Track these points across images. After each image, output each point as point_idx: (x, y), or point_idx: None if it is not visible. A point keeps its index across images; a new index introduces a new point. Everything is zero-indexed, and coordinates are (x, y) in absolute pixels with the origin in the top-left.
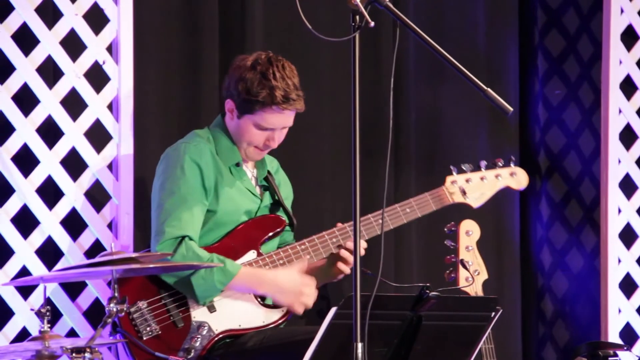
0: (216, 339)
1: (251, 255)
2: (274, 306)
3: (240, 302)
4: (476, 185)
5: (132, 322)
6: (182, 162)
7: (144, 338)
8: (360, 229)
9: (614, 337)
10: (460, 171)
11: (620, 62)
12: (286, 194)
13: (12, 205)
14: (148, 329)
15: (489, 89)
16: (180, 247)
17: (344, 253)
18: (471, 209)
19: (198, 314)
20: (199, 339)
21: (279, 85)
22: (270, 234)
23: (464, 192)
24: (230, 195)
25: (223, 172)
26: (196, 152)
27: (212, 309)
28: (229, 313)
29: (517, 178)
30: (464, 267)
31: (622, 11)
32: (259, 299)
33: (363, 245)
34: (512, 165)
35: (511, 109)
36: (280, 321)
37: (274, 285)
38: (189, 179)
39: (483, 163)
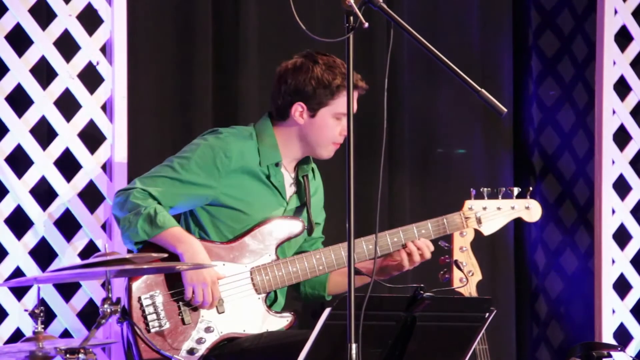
0: (219, 341)
1: (267, 258)
2: (281, 314)
3: (248, 307)
4: (491, 214)
5: (143, 313)
6: (201, 143)
7: (151, 331)
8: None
9: (608, 337)
10: (479, 196)
11: (614, 63)
12: (318, 198)
13: (6, 206)
14: (157, 322)
15: (482, 90)
16: (134, 191)
17: (411, 247)
18: (481, 236)
19: (207, 313)
20: (204, 340)
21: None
22: (288, 237)
23: (479, 221)
24: (255, 193)
25: (255, 169)
26: (223, 139)
27: (221, 310)
28: (236, 317)
29: (530, 212)
30: (458, 267)
31: (615, 12)
32: (267, 305)
33: (430, 248)
34: (528, 197)
35: (505, 109)
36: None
37: (190, 248)
38: (193, 156)
39: (502, 190)
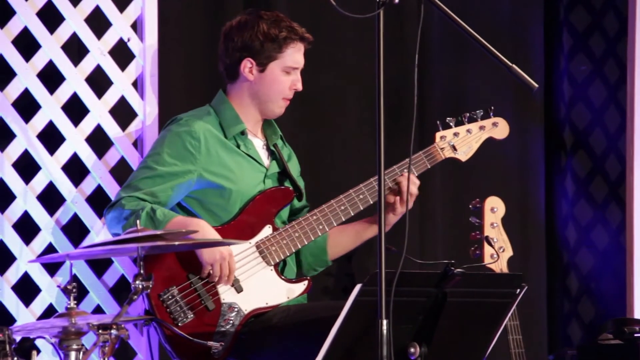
0: (247, 318)
1: (267, 230)
2: (295, 280)
3: (264, 280)
4: (464, 139)
5: (167, 309)
6: (166, 134)
7: (180, 325)
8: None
9: (639, 313)
10: (446, 126)
11: None
12: (294, 163)
13: (39, 183)
14: (182, 315)
15: (514, 65)
16: (122, 200)
17: (402, 186)
18: (460, 163)
19: (227, 295)
20: (231, 321)
21: (292, 24)
22: (281, 207)
23: (454, 148)
24: (233, 165)
25: (224, 143)
26: (185, 124)
27: (239, 289)
28: (255, 292)
29: (499, 128)
30: (489, 244)
31: None
32: (279, 273)
33: (416, 182)
34: (491, 115)
35: (536, 85)
36: (302, 294)
37: (199, 229)
38: (163, 150)
39: (466, 115)
